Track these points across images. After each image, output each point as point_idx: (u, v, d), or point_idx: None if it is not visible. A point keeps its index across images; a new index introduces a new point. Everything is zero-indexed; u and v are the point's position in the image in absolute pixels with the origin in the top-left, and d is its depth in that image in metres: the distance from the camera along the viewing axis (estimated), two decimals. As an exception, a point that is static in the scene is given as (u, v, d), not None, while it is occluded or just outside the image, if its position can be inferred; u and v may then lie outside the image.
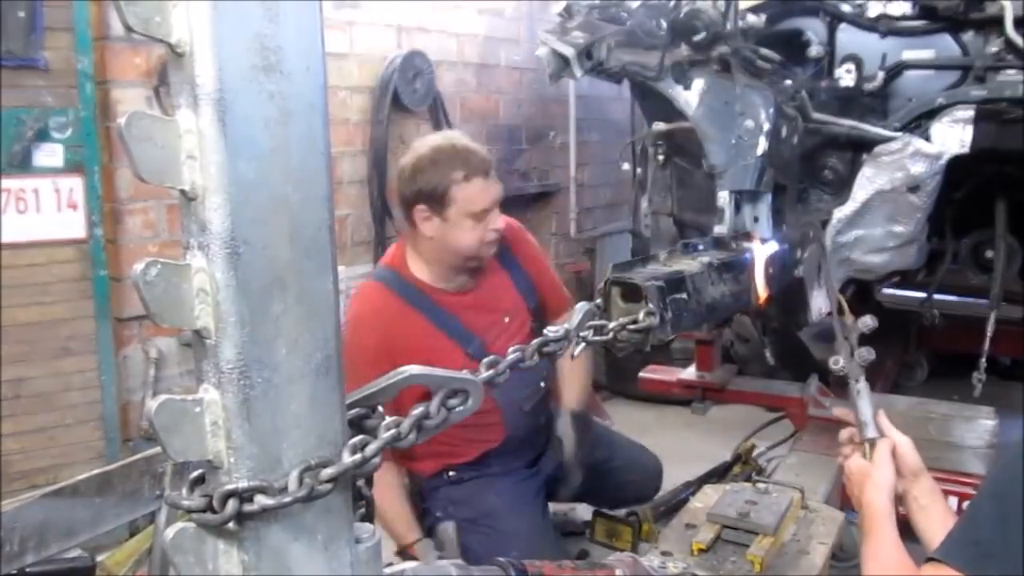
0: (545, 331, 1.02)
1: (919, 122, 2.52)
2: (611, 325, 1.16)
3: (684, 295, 1.42)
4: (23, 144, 2.66)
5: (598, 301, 1.28)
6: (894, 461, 1.40)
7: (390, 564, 0.98)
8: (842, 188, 2.64)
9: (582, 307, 1.11)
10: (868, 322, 1.53)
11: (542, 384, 2.38)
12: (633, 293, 1.32)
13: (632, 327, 1.22)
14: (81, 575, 1.82)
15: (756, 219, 2.31)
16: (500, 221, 2.19)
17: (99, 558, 2.04)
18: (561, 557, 2.22)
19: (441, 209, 2.11)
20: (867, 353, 1.50)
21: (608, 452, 2.52)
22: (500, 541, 2.14)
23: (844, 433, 1.52)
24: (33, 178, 2.71)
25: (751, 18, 2.73)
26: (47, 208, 2.75)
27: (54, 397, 2.83)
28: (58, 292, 2.81)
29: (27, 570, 1.60)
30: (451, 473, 2.31)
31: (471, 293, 2.29)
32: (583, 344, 1.08)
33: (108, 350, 2.91)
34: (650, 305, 1.28)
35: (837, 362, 1.53)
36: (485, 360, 0.91)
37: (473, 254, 2.19)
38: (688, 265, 1.56)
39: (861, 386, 1.49)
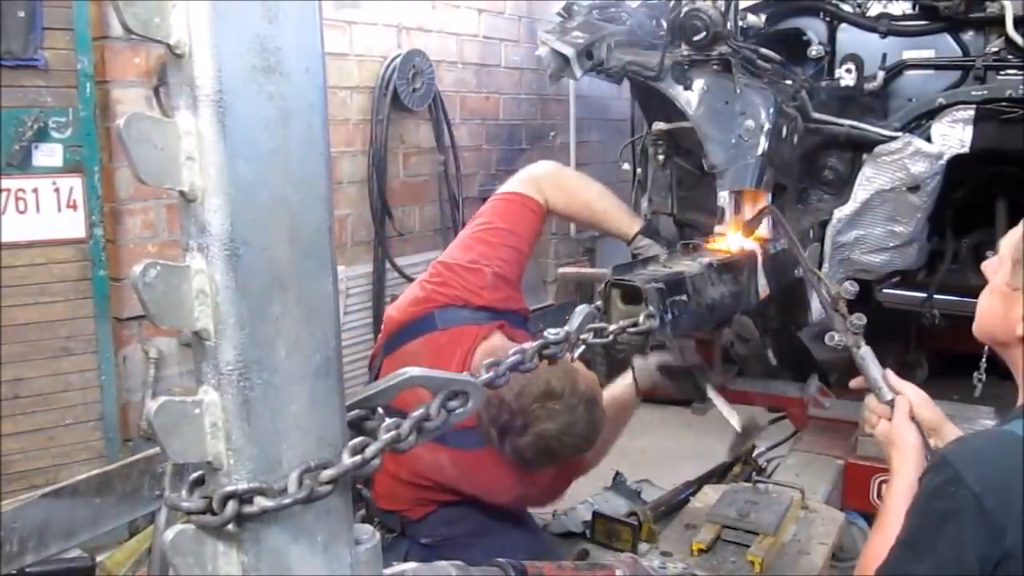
0: (545, 333, 1.01)
1: (919, 122, 2.52)
2: (611, 328, 1.16)
3: (684, 297, 1.41)
4: (23, 144, 2.66)
5: (598, 303, 1.27)
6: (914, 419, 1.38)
7: (390, 565, 0.98)
8: (842, 188, 2.64)
9: (582, 309, 1.11)
10: (849, 288, 1.53)
11: None
12: (633, 295, 1.32)
13: (632, 330, 1.22)
14: (81, 575, 1.81)
15: (756, 219, 2.31)
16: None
17: (99, 558, 2.04)
18: (560, 557, 2.22)
19: None
20: (858, 320, 1.49)
21: None
22: (506, 548, 2.11)
23: (869, 401, 1.48)
24: (33, 178, 2.71)
25: (751, 18, 2.74)
26: (47, 208, 2.74)
27: (54, 397, 2.83)
28: (58, 292, 2.81)
29: (27, 570, 1.60)
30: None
31: None
32: (583, 347, 1.08)
33: (108, 350, 2.90)
34: (650, 308, 1.27)
35: (832, 338, 1.51)
36: (485, 362, 0.91)
37: None
38: (688, 266, 1.55)
39: (863, 352, 1.48)
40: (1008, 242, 1.26)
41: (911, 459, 1.34)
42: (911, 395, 1.42)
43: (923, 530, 1.10)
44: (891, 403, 1.42)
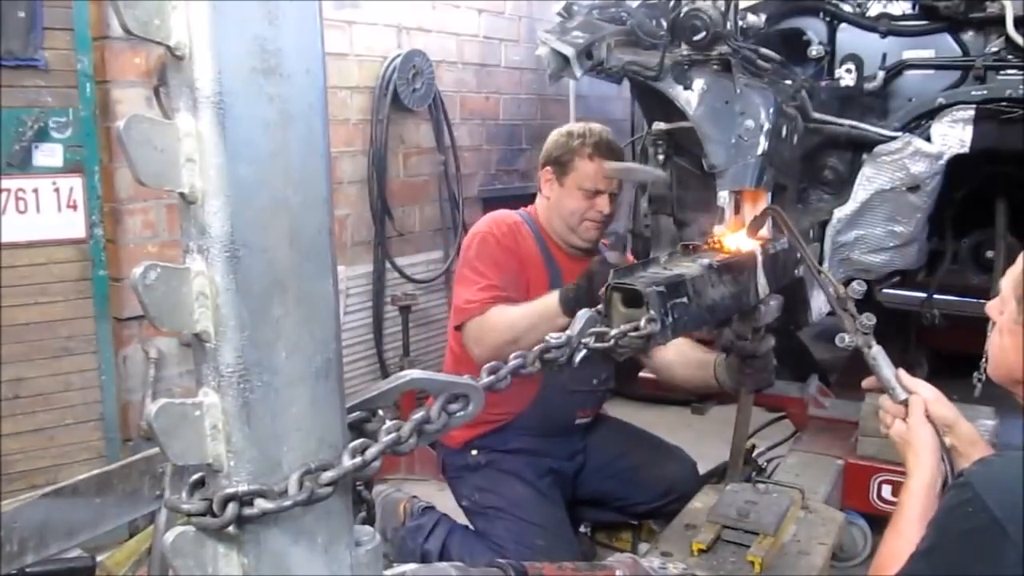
0: (547, 337, 1.01)
1: (919, 122, 2.52)
2: (613, 332, 1.15)
3: (685, 299, 1.41)
4: (23, 144, 2.66)
5: (599, 307, 1.27)
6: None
7: (390, 566, 0.98)
8: (842, 188, 2.64)
9: (583, 314, 1.11)
10: (856, 287, 1.53)
11: (594, 381, 2.41)
12: (634, 298, 1.31)
13: (634, 334, 1.22)
14: (81, 575, 1.81)
15: (756, 219, 2.31)
16: (607, 208, 2.32)
17: (99, 558, 2.04)
18: (579, 556, 2.23)
19: (561, 175, 2.34)
20: (867, 320, 1.48)
21: (632, 450, 2.51)
22: (526, 531, 2.17)
23: (883, 401, 1.47)
24: (33, 178, 2.70)
25: (751, 18, 2.73)
26: (47, 208, 2.74)
27: (54, 397, 2.83)
28: (58, 292, 2.81)
29: (27, 570, 1.60)
30: (473, 452, 2.35)
31: (581, 264, 2.35)
32: (584, 351, 1.08)
33: (108, 350, 2.90)
34: (651, 312, 1.27)
35: (843, 339, 1.51)
36: (487, 366, 0.91)
37: (574, 226, 2.33)
38: (688, 267, 1.55)
39: (875, 352, 1.46)
40: (1009, 280, 1.25)
41: (927, 460, 1.33)
42: (925, 393, 1.41)
43: (940, 547, 1.09)
44: (905, 403, 1.41)
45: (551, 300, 2.00)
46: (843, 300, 1.51)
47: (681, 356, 2.37)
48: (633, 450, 2.51)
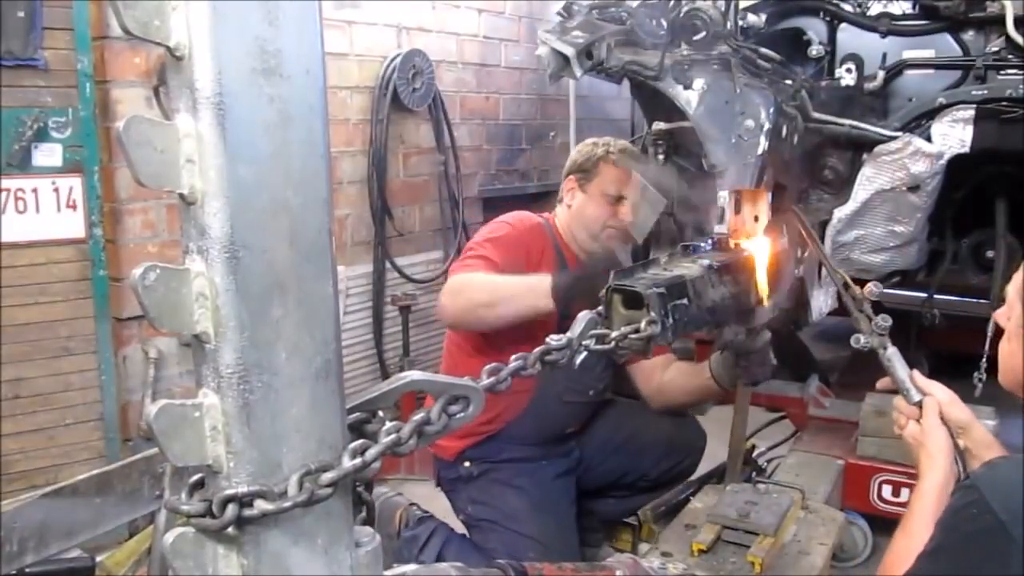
0: (548, 339, 1.01)
1: (919, 122, 2.51)
2: (613, 334, 1.15)
3: (685, 300, 1.41)
4: (23, 144, 2.66)
5: (600, 309, 1.27)
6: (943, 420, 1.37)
7: (391, 567, 0.98)
8: (842, 188, 2.64)
9: (584, 316, 1.10)
10: (873, 289, 1.53)
11: (591, 393, 2.40)
12: (634, 300, 1.31)
13: (634, 336, 1.22)
14: (81, 575, 1.82)
15: (756, 219, 2.31)
16: (629, 216, 2.35)
17: (99, 558, 2.04)
18: (579, 559, 2.23)
19: (585, 181, 2.36)
20: (883, 321, 1.48)
21: (625, 421, 2.51)
22: (520, 544, 2.16)
23: (897, 402, 1.47)
24: (33, 178, 2.70)
25: (751, 18, 2.73)
26: (47, 208, 2.74)
27: (54, 397, 2.83)
28: (58, 292, 2.81)
29: (27, 570, 1.60)
30: (466, 464, 2.33)
31: None
32: (584, 353, 1.08)
33: (108, 350, 2.90)
34: (652, 314, 1.27)
35: (858, 340, 1.50)
36: (487, 367, 0.91)
37: (596, 234, 2.34)
38: (689, 268, 1.55)
39: (890, 353, 1.46)
40: (1014, 287, 1.25)
41: (940, 462, 1.33)
42: (940, 395, 1.41)
43: (945, 548, 1.10)
44: (920, 404, 1.41)
45: (543, 279, 1.99)
46: (859, 301, 1.51)
47: (672, 373, 2.40)
48: (626, 421, 2.52)
